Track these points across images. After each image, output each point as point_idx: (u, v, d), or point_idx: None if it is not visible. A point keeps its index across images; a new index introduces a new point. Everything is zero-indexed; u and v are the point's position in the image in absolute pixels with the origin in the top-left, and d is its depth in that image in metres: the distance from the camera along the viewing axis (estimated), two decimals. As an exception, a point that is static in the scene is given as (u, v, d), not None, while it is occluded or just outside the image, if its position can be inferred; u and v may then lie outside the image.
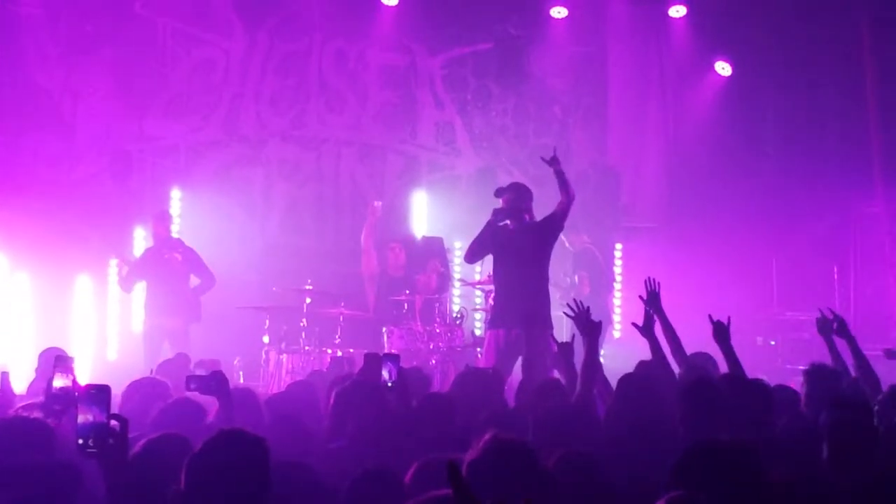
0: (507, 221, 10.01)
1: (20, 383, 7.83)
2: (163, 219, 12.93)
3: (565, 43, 16.08)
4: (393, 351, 11.50)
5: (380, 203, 13.43)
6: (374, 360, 6.76)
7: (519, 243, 9.94)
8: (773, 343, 14.31)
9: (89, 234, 13.47)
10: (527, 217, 10.05)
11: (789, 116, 15.28)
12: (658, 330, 7.61)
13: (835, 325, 7.97)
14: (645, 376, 6.58)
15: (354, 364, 10.28)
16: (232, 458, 3.67)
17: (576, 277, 13.74)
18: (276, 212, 15.16)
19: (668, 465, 4.03)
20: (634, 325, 7.61)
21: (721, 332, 7.06)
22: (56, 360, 5.86)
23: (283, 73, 15.25)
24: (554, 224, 10.01)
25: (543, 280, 9.91)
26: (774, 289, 15.03)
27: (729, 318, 7.12)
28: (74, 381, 5.65)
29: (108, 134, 14.32)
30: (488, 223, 10.00)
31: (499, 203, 10.04)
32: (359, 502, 4.38)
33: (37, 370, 8.38)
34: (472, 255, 10.35)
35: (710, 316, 7.09)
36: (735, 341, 7.08)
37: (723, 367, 7.04)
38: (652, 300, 7.75)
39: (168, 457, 4.19)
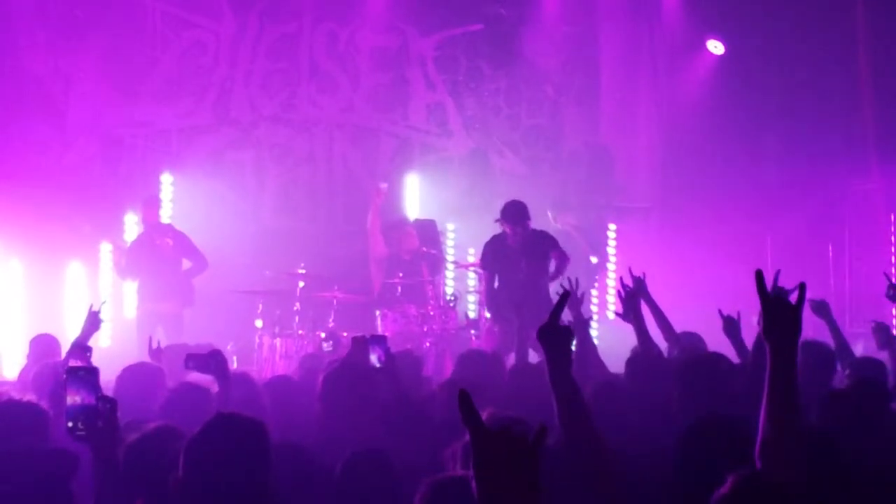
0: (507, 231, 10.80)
1: (12, 370, 7.80)
2: (152, 204, 12.92)
3: (556, 22, 16.02)
4: (386, 333, 11.50)
5: (385, 185, 13.37)
6: (362, 343, 6.72)
7: (519, 258, 10.79)
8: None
9: (81, 220, 13.42)
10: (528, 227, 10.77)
11: (782, 94, 15.23)
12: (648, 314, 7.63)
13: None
14: (649, 358, 6.58)
15: (341, 345, 10.27)
16: (230, 442, 3.62)
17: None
18: (268, 195, 15.12)
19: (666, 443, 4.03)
20: (617, 314, 7.65)
21: (731, 326, 7.04)
22: (72, 347, 5.89)
23: (274, 55, 15.18)
24: (550, 256, 10.93)
25: (543, 279, 10.75)
26: (769, 268, 14.95)
27: (738, 313, 7.11)
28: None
29: (98, 119, 14.24)
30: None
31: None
32: (351, 483, 4.37)
33: (28, 357, 8.34)
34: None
35: (720, 311, 7.07)
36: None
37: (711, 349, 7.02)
38: (638, 287, 7.73)
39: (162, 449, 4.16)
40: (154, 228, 12.66)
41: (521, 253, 10.76)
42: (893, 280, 8.23)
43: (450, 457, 4.29)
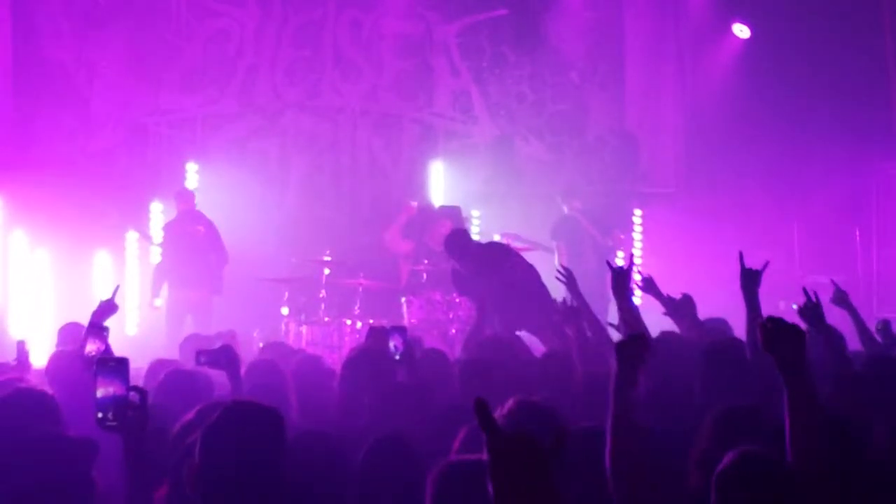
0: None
1: (40, 358, 7.83)
2: (185, 196, 12.96)
3: (580, 8, 15.96)
4: (412, 320, 11.51)
5: (416, 203, 13.31)
6: (380, 333, 6.73)
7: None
8: (795, 307, 14.16)
9: (107, 209, 13.48)
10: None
11: (808, 78, 15.11)
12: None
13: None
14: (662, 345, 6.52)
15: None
16: (245, 429, 3.65)
17: (554, 246, 13.65)
18: (293, 183, 15.15)
19: (684, 432, 4.04)
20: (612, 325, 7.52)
21: (749, 279, 6.31)
22: (89, 327, 5.93)
23: (298, 43, 15.20)
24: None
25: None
26: (796, 252, 14.94)
27: (767, 262, 6.41)
28: (107, 346, 5.75)
29: (123, 107, 14.33)
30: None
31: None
32: (375, 469, 4.38)
33: (57, 345, 8.38)
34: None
35: (740, 254, 6.35)
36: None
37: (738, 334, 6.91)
38: (648, 286, 7.67)
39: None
40: (185, 216, 12.71)
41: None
42: None
43: (459, 445, 4.30)
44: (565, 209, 13.95)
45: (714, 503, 3.37)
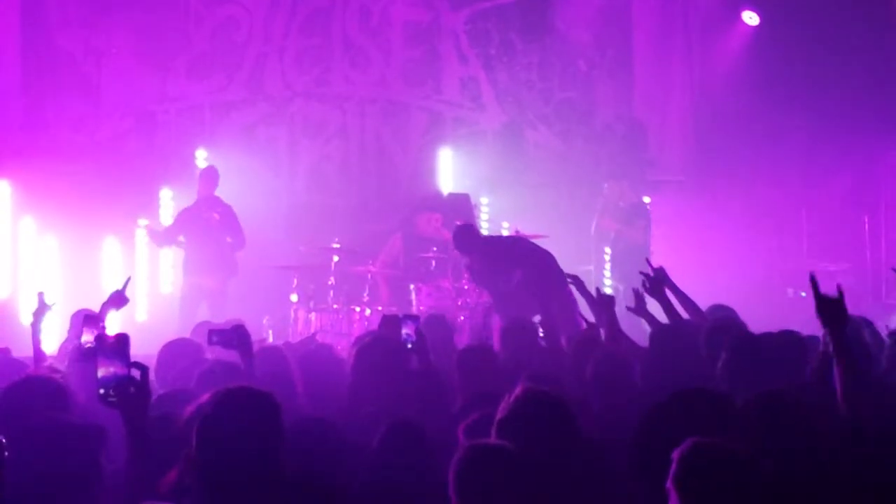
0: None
1: (51, 344, 7.85)
2: (209, 177, 12.80)
3: (589, -6, 15.95)
4: (422, 308, 11.53)
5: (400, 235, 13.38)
6: (393, 321, 6.74)
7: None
8: (803, 295, 14.16)
9: (115, 196, 13.47)
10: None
11: (817, 66, 15.07)
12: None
13: None
14: (678, 329, 6.54)
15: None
16: (238, 415, 3.66)
17: (639, 226, 13.75)
18: (301, 170, 15.17)
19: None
20: (629, 308, 7.57)
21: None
22: (85, 319, 5.93)
23: (307, 30, 15.19)
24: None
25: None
26: (804, 240, 14.92)
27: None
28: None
29: (132, 95, 14.32)
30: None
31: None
32: (388, 454, 4.40)
33: (69, 331, 8.40)
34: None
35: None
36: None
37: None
38: (660, 277, 7.66)
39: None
40: (204, 201, 12.66)
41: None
42: None
43: (464, 431, 4.32)
44: (626, 196, 14.00)
45: (674, 497, 3.37)
